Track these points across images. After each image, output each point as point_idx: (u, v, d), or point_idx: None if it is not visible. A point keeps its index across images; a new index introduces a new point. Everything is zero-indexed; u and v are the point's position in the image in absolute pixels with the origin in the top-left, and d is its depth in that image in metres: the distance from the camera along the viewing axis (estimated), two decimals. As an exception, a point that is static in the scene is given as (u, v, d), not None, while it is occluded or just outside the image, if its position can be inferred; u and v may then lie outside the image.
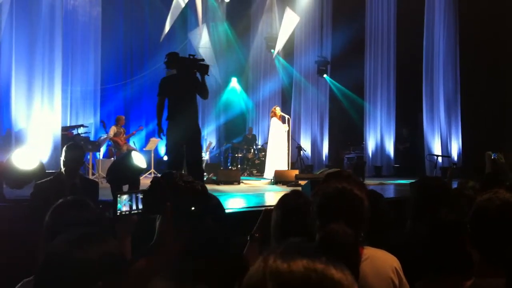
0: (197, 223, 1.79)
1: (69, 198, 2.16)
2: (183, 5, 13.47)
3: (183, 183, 1.80)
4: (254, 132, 15.73)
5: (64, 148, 4.20)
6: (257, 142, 14.97)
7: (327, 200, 1.95)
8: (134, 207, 1.94)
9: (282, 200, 2.41)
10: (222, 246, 1.97)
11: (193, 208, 1.78)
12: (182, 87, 6.11)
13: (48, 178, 4.12)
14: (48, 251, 1.46)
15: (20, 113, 7.36)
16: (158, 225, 1.79)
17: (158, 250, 1.75)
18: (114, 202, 1.91)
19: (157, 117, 6.12)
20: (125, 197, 1.93)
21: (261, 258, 0.91)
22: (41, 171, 4.34)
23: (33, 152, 4.50)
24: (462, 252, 1.74)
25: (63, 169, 4.14)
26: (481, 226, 1.60)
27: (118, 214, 1.91)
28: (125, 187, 4.46)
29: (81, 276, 1.40)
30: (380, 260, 1.98)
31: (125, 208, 1.93)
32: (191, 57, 6.37)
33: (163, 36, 13.26)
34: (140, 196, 1.94)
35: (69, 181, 4.10)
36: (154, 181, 1.90)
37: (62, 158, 4.15)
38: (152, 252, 1.75)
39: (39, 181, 4.10)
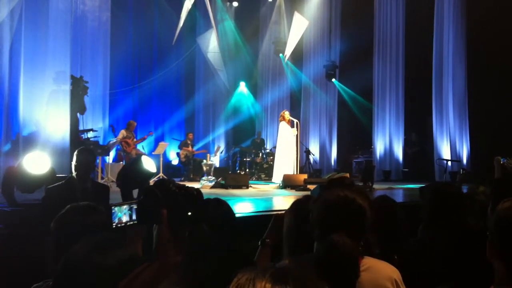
0: (194, 228, 1.79)
1: (77, 204, 2.16)
2: (190, 8, 13.48)
3: (177, 189, 1.80)
4: (262, 136, 15.73)
5: (75, 153, 4.14)
6: (265, 146, 14.94)
7: (329, 209, 1.90)
8: (134, 217, 1.94)
9: (295, 205, 2.38)
10: (221, 251, 1.95)
11: (189, 213, 1.77)
12: None
13: (60, 183, 4.08)
14: (67, 256, 1.46)
15: (29, 117, 7.40)
16: (156, 233, 1.79)
17: (158, 258, 1.75)
18: (108, 216, 1.90)
19: None
20: (125, 207, 1.93)
21: (250, 276, 0.91)
22: (52, 175, 4.35)
23: (44, 157, 4.50)
24: (483, 261, 1.71)
25: (74, 173, 4.09)
26: (504, 235, 1.57)
27: (114, 225, 1.90)
28: (135, 192, 4.47)
29: (100, 282, 1.41)
30: (379, 271, 1.91)
31: (125, 219, 1.92)
32: None
33: (175, 38, 13.27)
34: (135, 207, 1.93)
35: (80, 185, 4.06)
36: (149, 190, 1.89)
37: (74, 162, 4.09)
38: (153, 259, 1.75)
39: (50, 185, 4.07)
